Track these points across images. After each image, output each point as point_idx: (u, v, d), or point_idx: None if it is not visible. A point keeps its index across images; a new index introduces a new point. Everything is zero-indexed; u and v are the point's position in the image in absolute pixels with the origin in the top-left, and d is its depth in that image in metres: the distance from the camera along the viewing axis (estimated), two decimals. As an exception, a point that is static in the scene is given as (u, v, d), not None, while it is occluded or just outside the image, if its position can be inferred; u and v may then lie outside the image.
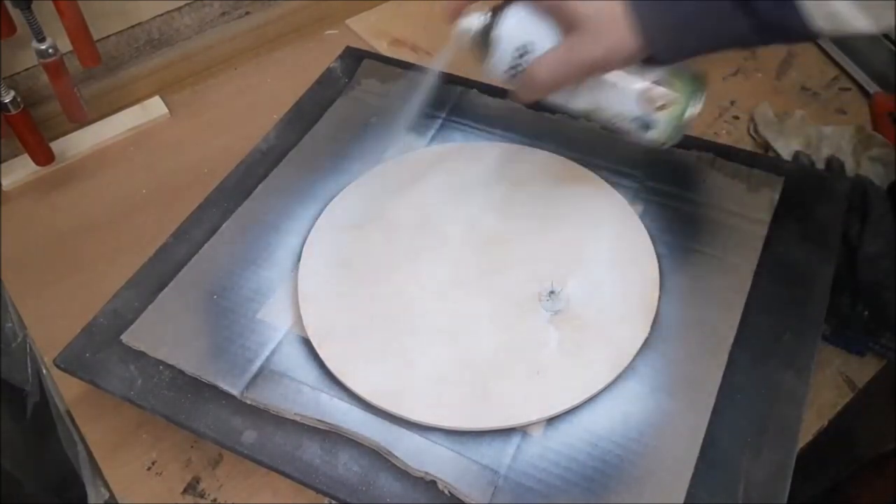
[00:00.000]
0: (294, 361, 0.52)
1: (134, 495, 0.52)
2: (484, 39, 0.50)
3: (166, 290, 0.57)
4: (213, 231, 0.60)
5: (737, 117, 0.73)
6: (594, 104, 0.50)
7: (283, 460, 0.48)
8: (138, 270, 0.58)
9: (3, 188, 0.72)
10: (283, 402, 0.50)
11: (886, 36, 0.76)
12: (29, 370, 0.66)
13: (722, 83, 0.77)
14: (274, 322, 0.55)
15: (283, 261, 0.58)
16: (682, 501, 0.45)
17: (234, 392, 0.51)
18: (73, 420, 0.57)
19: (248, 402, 0.50)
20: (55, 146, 0.73)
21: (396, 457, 0.47)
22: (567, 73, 0.47)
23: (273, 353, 0.53)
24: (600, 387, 0.49)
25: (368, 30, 0.85)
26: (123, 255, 0.61)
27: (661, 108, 0.48)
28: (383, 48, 0.82)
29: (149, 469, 0.53)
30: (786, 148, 0.69)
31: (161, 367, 0.52)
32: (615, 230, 0.58)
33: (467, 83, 0.71)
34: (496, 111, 0.68)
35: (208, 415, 0.50)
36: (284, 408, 0.50)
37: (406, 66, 0.73)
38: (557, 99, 0.51)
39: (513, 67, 0.49)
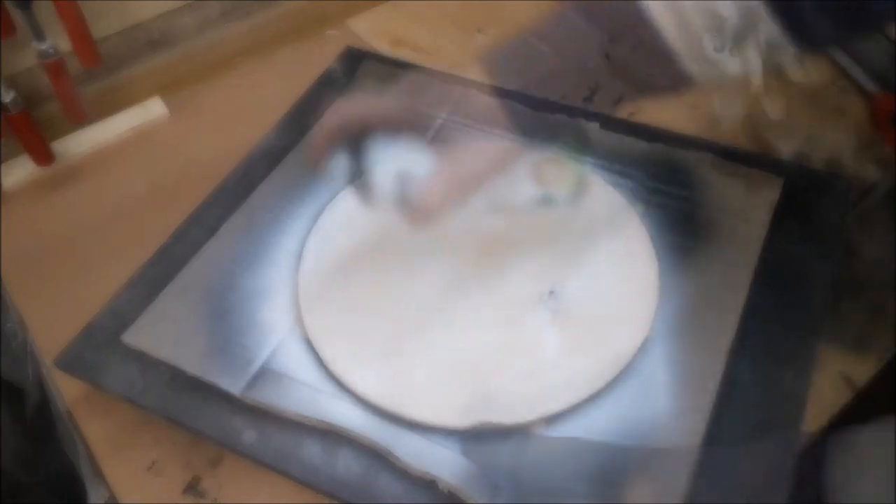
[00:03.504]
0: (294, 361, 0.52)
1: (134, 495, 0.52)
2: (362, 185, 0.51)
3: (166, 290, 0.57)
4: (213, 231, 0.60)
5: (736, 117, 0.73)
6: None
7: (284, 460, 0.48)
8: (138, 270, 0.58)
9: (3, 188, 0.72)
10: (284, 402, 0.50)
11: (886, 36, 0.76)
12: (29, 370, 0.66)
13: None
14: (274, 322, 0.55)
15: (284, 261, 0.58)
16: (681, 501, 0.45)
17: (235, 392, 0.51)
18: (73, 420, 0.57)
19: (249, 402, 0.50)
20: (55, 146, 0.73)
21: (396, 457, 0.47)
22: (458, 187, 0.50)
23: (273, 353, 0.53)
24: (600, 386, 0.50)
25: (368, 30, 0.85)
26: (123, 255, 0.61)
27: None
28: (383, 48, 0.82)
29: (149, 469, 0.53)
30: (786, 148, 0.69)
31: (161, 366, 0.52)
32: (615, 230, 0.58)
33: (467, 83, 0.71)
34: (496, 111, 0.68)
35: (208, 415, 0.50)
36: (284, 408, 0.50)
37: (406, 66, 0.73)
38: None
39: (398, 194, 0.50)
